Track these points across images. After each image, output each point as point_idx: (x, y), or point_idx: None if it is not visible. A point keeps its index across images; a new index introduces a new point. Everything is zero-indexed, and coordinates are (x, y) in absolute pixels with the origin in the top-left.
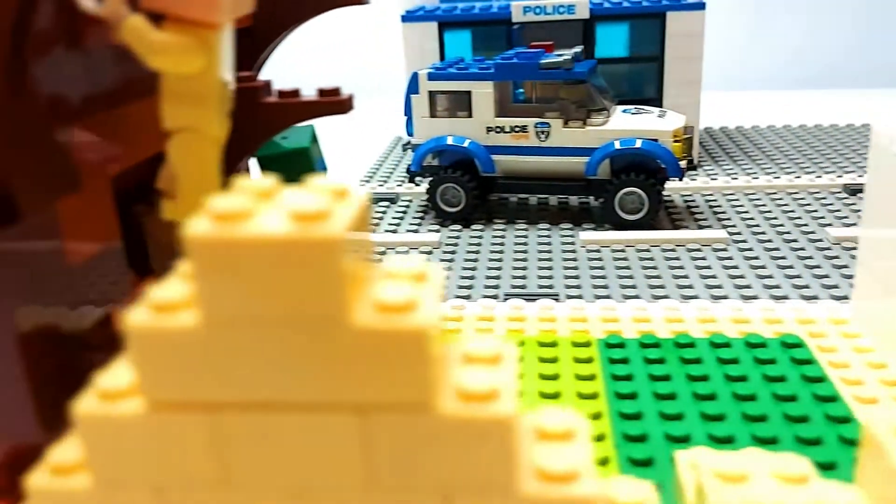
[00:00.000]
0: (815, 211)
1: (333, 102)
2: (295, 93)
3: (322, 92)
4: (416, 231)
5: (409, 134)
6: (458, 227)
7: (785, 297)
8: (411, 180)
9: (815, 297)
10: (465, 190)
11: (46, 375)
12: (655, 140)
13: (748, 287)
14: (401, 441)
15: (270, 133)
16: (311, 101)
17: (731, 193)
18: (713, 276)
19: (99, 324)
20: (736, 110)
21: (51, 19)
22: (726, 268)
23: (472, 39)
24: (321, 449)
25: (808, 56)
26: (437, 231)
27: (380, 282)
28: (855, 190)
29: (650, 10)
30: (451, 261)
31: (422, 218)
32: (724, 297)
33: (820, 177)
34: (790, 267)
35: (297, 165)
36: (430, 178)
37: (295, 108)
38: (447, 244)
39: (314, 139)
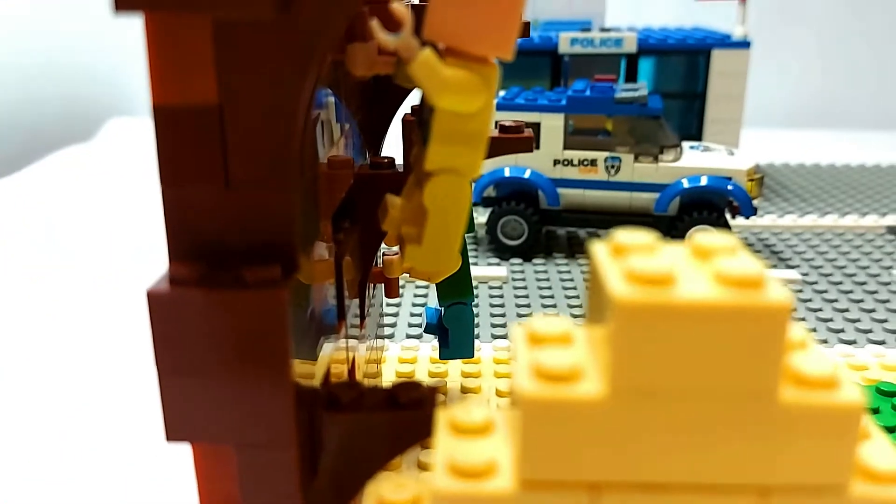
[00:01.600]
0: (871, 253)
1: (518, 139)
2: None
3: (503, 128)
4: (475, 264)
5: None
6: (520, 260)
7: (882, 342)
8: None
9: None
10: (529, 223)
11: (301, 437)
12: (729, 178)
13: (842, 331)
14: None
15: None
16: (496, 139)
17: (780, 232)
18: (804, 320)
19: (324, 380)
20: (775, 148)
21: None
22: (812, 310)
23: (501, 67)
24: None
25: (847, 95)
26: (498, 265)
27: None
28: None
29: (696, 47)
30: (526, 297)
31: (476, 250)
32: (825, 342)
33: (863, 217)
34: (873, 311)
35: None
36: (491, 210)
37: None
38: (515, 279)
39: None
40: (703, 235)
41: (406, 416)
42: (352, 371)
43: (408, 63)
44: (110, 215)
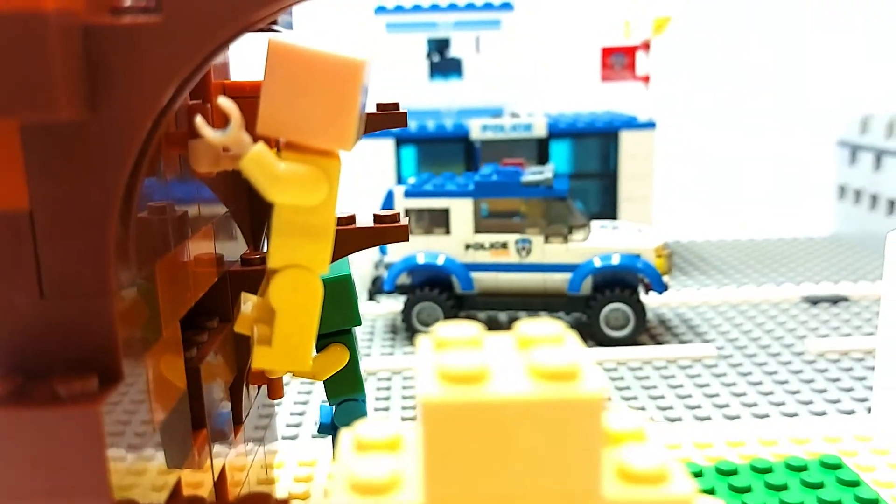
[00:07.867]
0: (785, 322)
1: (394, 229)
2: (352, 219)
3: (378, 218)
4: (390, 354)
5: (383, 252)
6: None
7: (794, 414)
8: (370, 298)
9: (823, 413)
10: (444, 309)
11: None
12: (637, 255)
13: (755, 405)
14: None
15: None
16: (371, 228)
17: (698, 306)
18: (717, 395)
19: (172, 493)
20: (695, 223)
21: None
22: (726, 385)
23: (417, 155)
24: None
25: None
26: (413, 353)
27: (613, 443)
28: (816, 301)
29: (604, 130)
30: None
31: (393, 339)
32: (737, 417)
33: (779, 287)
34: (786, 382)
35: (338, 296)
36: (405, 298)
37: (355, 235)
38: None
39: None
40: (528, 325)
41: None
42: (220, 483)
43: (238, 159)
44: None
